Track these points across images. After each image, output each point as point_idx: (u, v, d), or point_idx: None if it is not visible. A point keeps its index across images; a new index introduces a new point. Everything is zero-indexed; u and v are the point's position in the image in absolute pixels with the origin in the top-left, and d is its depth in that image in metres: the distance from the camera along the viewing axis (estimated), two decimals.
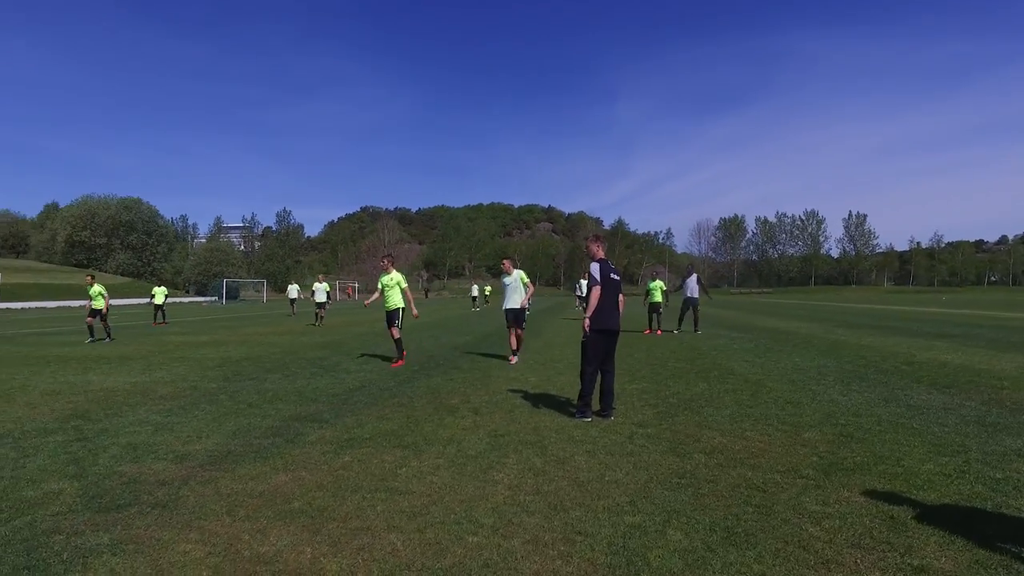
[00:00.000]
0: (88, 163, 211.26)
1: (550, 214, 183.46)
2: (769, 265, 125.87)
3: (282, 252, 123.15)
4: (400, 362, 10.30)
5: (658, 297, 16.91)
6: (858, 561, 2.89)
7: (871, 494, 3.78)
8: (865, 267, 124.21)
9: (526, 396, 7.22)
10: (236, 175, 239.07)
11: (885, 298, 63.47)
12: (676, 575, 2.77)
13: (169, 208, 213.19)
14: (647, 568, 2.83)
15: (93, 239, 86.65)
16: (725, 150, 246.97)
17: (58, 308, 44.48)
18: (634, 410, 6.39)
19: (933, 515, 3.44)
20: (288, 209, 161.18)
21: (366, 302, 11.03)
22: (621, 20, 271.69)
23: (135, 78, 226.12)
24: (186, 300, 65.16)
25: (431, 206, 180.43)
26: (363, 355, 11.69)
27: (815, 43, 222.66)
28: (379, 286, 10.61)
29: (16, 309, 43.01)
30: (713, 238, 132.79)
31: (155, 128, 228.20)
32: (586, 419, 5.91)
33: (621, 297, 6.29)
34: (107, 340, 15.63)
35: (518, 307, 10.80)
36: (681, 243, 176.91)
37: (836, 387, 7.64)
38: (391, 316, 10.47)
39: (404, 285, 10.60)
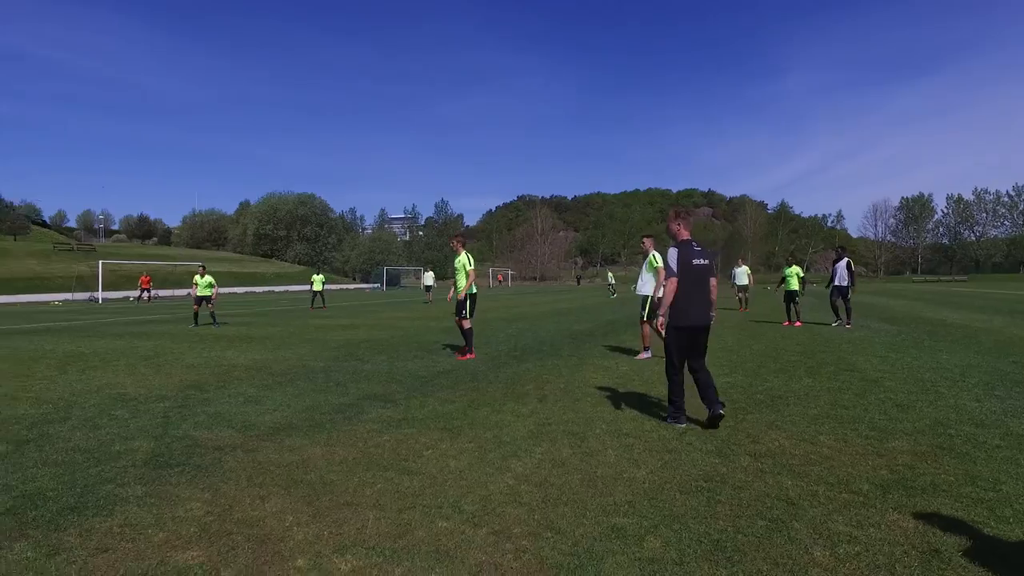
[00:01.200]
0: (273, 163, 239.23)
1: (710, 198, 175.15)
2: (964, 249, 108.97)
3: (440, 241, 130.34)
4: (470, 355, 9.45)
5: (794, 284, 15.46)
6: None
7: (929, 519, 3.16)
8: None
9: (605, 387, 6.99)
10: (401, 169, 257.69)
11: None
12: None
13: (341, 202, 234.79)
14: (595, 573, 2.62)
15: (275, 232, 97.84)
16: (912, 122, 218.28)
17: (245, 293, 50.92)
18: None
19: (993, 554, 2.80)
20: (445, 200, 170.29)
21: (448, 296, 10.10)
22: None
23: (313, 83, 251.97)
24: (351, 287, 71.41)
25: (586, 193, 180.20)
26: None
27: None
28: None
29: (221, 293, 49.91)
30: (892, 220, 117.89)
31: (329, 127, 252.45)
32: (679, 424, 5.10)
33: (713, 282, 5.31)
34: (215, 326, 16.52)
35: (649, 294, 9.14)
36: (852, 226, 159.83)
37: (974, 391, 6.48)
38: (459, 304, 9.54)
39: (469, 268, 9.36)
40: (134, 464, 4.20)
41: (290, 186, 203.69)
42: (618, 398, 6.36)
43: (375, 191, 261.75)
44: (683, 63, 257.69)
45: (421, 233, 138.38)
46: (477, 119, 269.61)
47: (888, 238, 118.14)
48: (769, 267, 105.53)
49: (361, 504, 3.45)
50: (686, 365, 5.26)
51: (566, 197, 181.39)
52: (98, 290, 38.08)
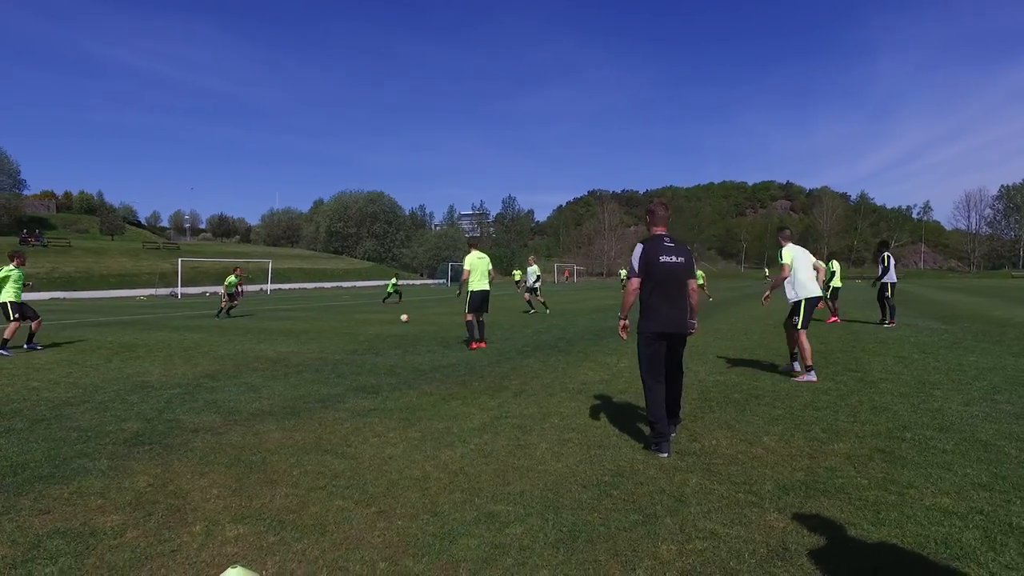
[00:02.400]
0: (348, 162, 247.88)
1: (788, 190, 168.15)
2: None
3: (508, 237, 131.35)
4: (480, 344, 10.38)
5: (837, 280, 14.96)
6: None
7: (804, 519, 3.20)
8: None
9: (590, 384, 7.12)
10: (472, 165, 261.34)
11: None
12: (452, 558, 2.75)
13: (410, 198, 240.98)
14: (442, 552, 2.85)
15: (346, 229, 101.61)
16: (1013, 104, 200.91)
17: (313, 289, 53.31)
18: None
19: (838, 554, 2.83)
20: (512, 196, 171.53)
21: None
22: None
23: (387, 82, 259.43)
24: (418, 283, 73.25)
25: (658, 187, 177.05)
26: (500, 339, 12.34)
27: None
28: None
29: (285, 289, 52.58)
30: (989, 210, 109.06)
31: (402, 125, 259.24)
32: (662, 454, 4.30)
33: (692, 285, 4.64)
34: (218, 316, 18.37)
35: (799, 298, 7.43)
36: (942, 217, 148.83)
37: (972, 395, 6.17)
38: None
39: (466, 268, 10.52)
40: (114, 442, 4.75)
41: (365, 184, 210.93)
42: (593, 394, 6.48)
43: (446, 187, 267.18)
44: (762, 49, 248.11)
45: (492, 230, 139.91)
46: (548, 114, 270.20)
47: (984, 230, 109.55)
48: (850, 262, 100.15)
49: (280, 482, 3.81)
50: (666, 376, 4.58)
51: (637, 191, 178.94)
52: (178, 286, 40.97)
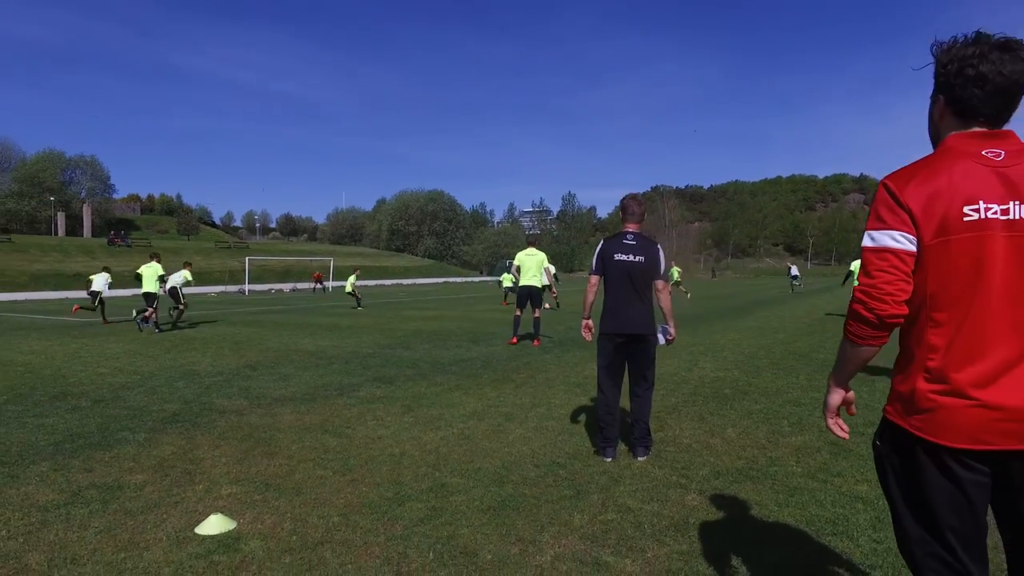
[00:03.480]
0: (411, 161, 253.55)
1: (862, 183, 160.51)
2: None
3: (567, 234, 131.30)
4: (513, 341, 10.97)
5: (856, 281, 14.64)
6: (555, 547, 2.99)
7: (718, 499, 3.56)
8: None
9: (593, 377, 7.53)
10: (533, 162, 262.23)
11: None
12: (394, 516, 3.27)
13: (472, 196, 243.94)
14: (387, 512, 3.39)
15: (407, 227, 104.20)
16: None
17: (374, 286, 55.15)
18: (657, 397, 6.31)
19: (733, 528, 3.20)
20: (572, 192, 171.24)
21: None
22: None
23: (449, 81, 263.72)
24: (476, 280, 74.45)
25: (723, 182, 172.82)
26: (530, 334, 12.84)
27: None
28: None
29: (341, 287, 54.68)
30: None
31: (464, 123, 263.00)
32: (606, 459, 4.30)
33: (659, 286, 4.44)
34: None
35: None
36: None
37: None
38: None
39: (515, 264, 11.29)
40: (154, 420, 5.56)
41: (428, 182, 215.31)
42: (591, 388, 6.89)
43: (507, 185, 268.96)
44: (836, 32, 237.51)
45: (553, 227, 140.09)
46: (612, 109, 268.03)
47: None
48: None
49: (278, 455, 4.46)
50: (631, 386, 4.48)
51: (701, 186, 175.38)
52: (245, 283, 43.46)
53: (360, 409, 5.94)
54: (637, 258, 4.37)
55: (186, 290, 15.52)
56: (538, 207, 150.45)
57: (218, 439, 4.90)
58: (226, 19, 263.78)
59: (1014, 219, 1.49)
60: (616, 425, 4.43)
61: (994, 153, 1.54)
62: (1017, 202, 1.49)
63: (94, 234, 74.46)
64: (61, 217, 78.29)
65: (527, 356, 9.44)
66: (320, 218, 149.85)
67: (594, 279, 4.59)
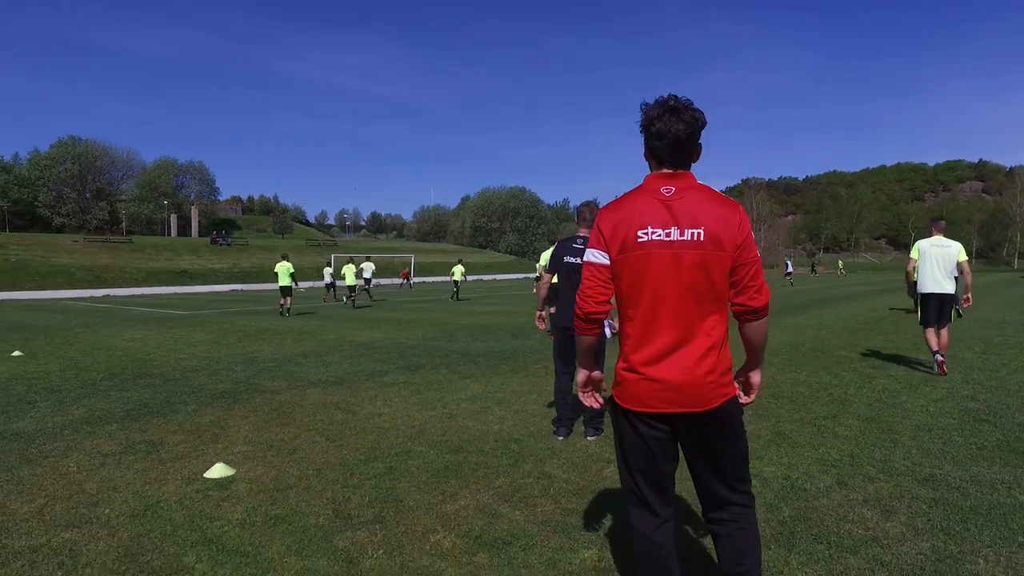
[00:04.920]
0: (496, 156, 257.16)
1: (980, 170, 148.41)
2: None
3: None
4: None
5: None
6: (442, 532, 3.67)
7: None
8: None
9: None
10: (621, 157, 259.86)
11: None
12: (356, 472, 4.05)
13: (555, 192, 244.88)
14: (353, 468, 4.19)
15: (489, 224, 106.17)
16: None
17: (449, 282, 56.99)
18: None
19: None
20: None
21: None
22: None
23: (537, 78, 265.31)
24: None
25: (820, 172, 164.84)
26: None
27: None
28: None
29: (429, 282, 56.96)
30: None
31: (549, 119, 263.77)
32: (558, 437, 4.90)
33: None
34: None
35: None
36: None
37: (966, 403, 6.31)
38: None
39: None
40: (206, 396, 6.68)
41: (511, 179, 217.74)
42: None
43: (590, 180, 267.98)
44: (955, 2, 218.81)
45: None
46: (702, 100, 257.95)
47: None
48: None
49: (291, 425, 5.39)
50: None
51: (796, 178, 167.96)
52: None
53: (377, 392, 6.83)
54: (582, 260, 4.93)
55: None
56: None
57: (249, 412, 5.92)
58: (327, 26, 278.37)
59: (672, 240, 2.01)
60: (568, 407, 5.03)
61: (667, 190, 2.07)
62: (675, 227, 2.02)
63: (200, 234, 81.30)
64: (173, 219, 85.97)
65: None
66: (408, 215, 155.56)
67: (547, 277, 5.14)
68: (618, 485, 3.79)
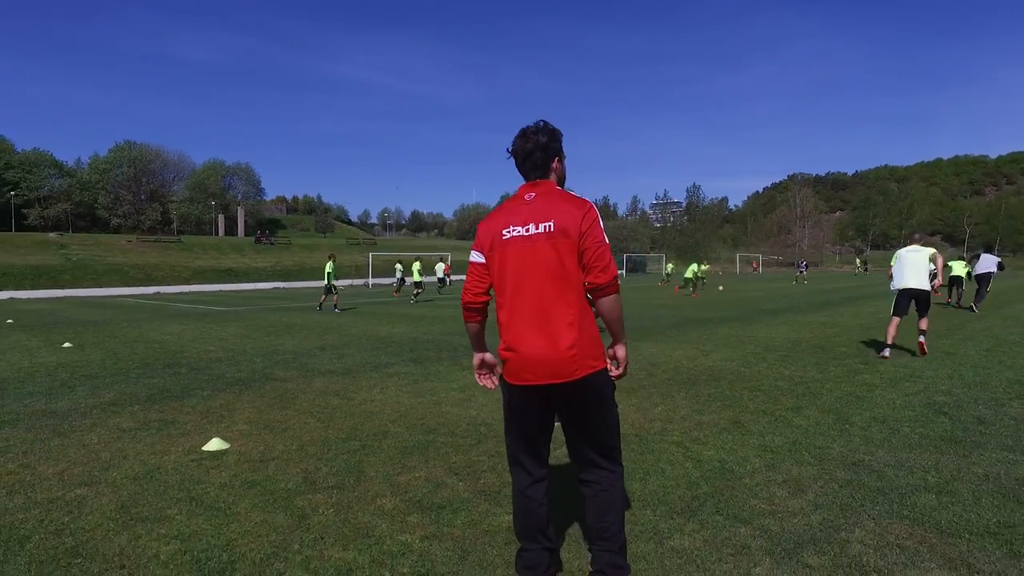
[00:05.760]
0: None
1: None
2: None
3: (692, 227, 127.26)
4: None
5: (957, 271, 17.56)
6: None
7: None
8: None
9: None
10: (663, 154, 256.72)
11: None
12: (332, 447, 4.55)
13: (594, 189, 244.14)
14: (330, 444, 4.69)
15: None
16: None
17: None
18: (637, 378, 7.12)
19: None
20: (697, 184, 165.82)
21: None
22: None
23: (578, 74, 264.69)
24: None
25: (870, 167, 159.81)
26: None
27: None
28: None
29: (456, 280, 57.85)
30: None
31: (590, 116, 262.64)
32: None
33: None
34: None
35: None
36: None
37: (936, 397, 6.46)
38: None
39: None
40: (222, 383, 7.33)
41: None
42: None
43: (630, 177, 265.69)
44: None
45: (686, 219, 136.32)
46: (747, 94, 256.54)
47: None
48: None
49: (290, 408, 5.95)
50: None
51: (845, 173, 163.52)
52: (368, 277, 47.53)
53: (377, 381, 7.36)
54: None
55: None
56: (662, 199, 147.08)
57: (256, 397, 6.52)
58: (374, 27, 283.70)
59: (530, 234, 2.42)
60: None
61: (529, 196, 2.51)
62: (532, 223, 2.43)
63: (246, 233, 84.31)
64: (221, 219, 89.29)
65: None
66: (449, 214, 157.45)
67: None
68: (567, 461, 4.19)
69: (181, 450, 4.63)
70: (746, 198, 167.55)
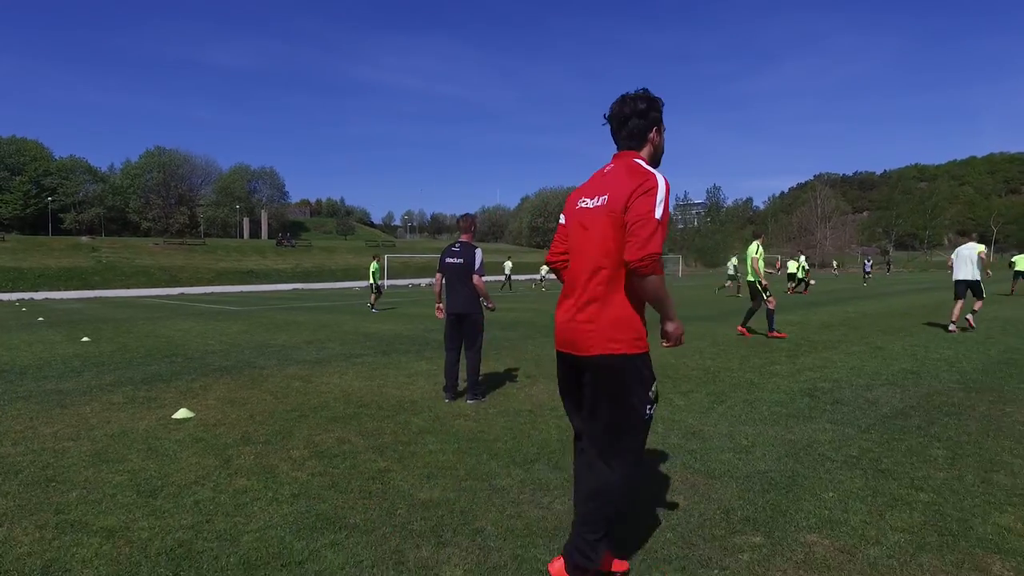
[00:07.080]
0: (565, 153, 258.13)
1: None
2: None
3: (712, 227, 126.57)
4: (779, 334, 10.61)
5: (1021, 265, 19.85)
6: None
7: (491, 430, 5.44)
8: None
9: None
10: (690, 153, 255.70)
11: None
12: (306, 422, 5.55)
13: None
14: (300, 419, 5.71)
15: (545, 224, 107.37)
16: None
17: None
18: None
19: (513, 452, 5.10)
20: (717, 185, 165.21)
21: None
22: None
23: (609, 72, 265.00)
24: None
25: (900, 166, 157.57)
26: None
27: None
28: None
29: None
30: None
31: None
32: (445, 400, 6.24)
33: (475, 279, 6.23)
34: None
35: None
36: None
37: (854, 378, 7.23)
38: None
39: (755, 255, 11.02)
40: (209, 370, 8.42)
41: (577, 177, 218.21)
42: (525, 363, 8.74)
43: (678, 176, 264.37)
44: None
45: (709, 220, 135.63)
46: (779, 92, 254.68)
47: None
48: None
49: (260, 390, 6.99)
50: (464, 350, 6.36)
51: (873, 172, 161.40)
52: (383, 278, 48.97)
53: (341, 369, 8.38)
54: (458, 260, 6.31)
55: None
56: (682, 201, 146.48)
57: (231, 381, 7.59)
58: (401, 30, 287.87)
59: (590, 208, 2.43)
60: (453, 377, 6.39)
61: (608, 168, 2.50)
62: (597, 196, 2.40)
63: (269, 236, 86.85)
64: (246, 222, 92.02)
65: (529, 341, 11.35)
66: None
67: (438, 275, 6.51)
68: (442, 433, 5.13)
69: (154, 417, 5.70)
70: (767, 199, 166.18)
